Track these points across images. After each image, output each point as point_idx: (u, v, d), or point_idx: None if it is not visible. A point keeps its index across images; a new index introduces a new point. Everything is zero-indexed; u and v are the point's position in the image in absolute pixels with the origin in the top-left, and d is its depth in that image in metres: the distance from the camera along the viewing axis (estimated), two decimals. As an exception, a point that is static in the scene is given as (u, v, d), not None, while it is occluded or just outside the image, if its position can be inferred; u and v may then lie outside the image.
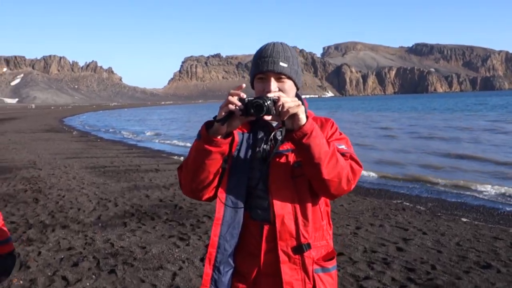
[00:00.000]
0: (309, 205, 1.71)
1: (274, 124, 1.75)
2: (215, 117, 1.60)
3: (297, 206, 1.69)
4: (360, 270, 4.78)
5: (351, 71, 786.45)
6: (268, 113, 1.54)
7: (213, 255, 1.71)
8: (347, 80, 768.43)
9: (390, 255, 5.29)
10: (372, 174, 12.00)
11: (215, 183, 1.73)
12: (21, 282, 4.41)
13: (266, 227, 1.71)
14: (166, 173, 11.63)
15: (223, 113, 1.56)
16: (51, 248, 5.51)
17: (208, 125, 1.63)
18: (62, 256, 5.21)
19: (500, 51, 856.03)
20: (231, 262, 1.73)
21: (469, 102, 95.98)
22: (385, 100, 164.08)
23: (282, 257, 1.68)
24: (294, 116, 1.53)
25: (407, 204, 8.53)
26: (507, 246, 5.68)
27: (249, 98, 1.56)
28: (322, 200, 1.78)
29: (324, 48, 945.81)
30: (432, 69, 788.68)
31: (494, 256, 5.27)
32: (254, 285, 1.73)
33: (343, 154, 1.66)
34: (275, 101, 1.55)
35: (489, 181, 10.71)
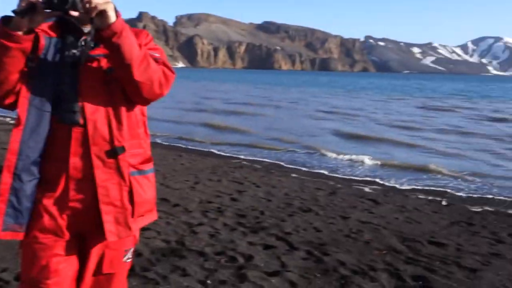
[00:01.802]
0: (123, 110, 1.67)
1: (86, 30, 1.65)
2: (14, 10, 1.42)
3: (110, 111, 1.64)
4: (194, 218, 4.89)
5: (203, 43, 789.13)
6: (74, 7, 1.45)
7: (13, 162, 1.56)
8: (199, 51, 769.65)
9: (224, 204, 5.53)
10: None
11: (18, 87, 1.57)
12: None
13: (75, 130, 1.61)
14: None
15: (23, 5, 1.41)
16: None
17: (6, 20, 1.46)
18: None
19: (336, 36, 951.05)
20: (35, 171, 1.60)
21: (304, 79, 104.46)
22: (236, 74, 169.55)
23: (96, 162, 1.61)
24: (103, 13, 1.49)
25: (246, 163, 9.00)
26: (326, 195, 6.42)
27: None
28: (138, 108, 1.77)
29: (176, 17, 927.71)
30: (278, 47, 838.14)
31: (314, 202, 5.91)
32: (64, 192, 1.63)
33: (156, 60, 1.67)
34: None
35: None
